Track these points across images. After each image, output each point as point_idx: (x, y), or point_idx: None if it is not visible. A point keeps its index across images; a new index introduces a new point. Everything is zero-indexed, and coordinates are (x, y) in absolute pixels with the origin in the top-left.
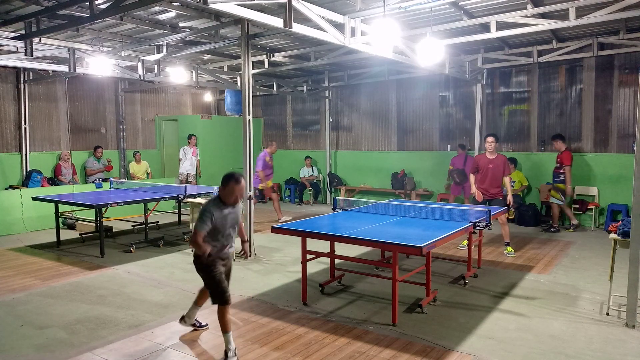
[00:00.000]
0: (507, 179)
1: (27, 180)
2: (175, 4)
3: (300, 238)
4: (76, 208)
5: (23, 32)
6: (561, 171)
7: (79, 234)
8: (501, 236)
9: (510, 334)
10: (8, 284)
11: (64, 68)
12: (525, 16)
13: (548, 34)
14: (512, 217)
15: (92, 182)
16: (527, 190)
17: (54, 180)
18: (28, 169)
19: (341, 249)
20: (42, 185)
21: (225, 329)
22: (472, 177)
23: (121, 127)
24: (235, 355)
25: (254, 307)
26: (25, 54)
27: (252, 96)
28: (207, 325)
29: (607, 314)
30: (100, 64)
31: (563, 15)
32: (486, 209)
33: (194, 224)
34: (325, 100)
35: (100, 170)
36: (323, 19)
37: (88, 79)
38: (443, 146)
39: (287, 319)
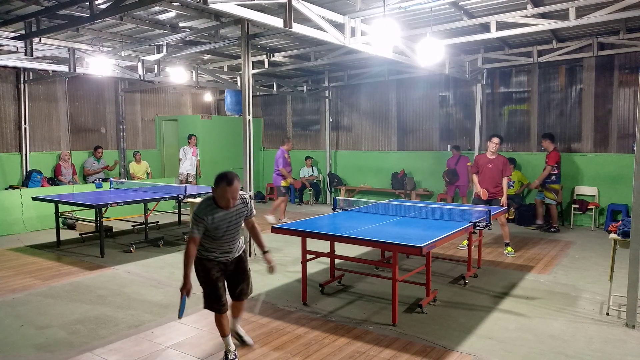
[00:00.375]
0: (504, 181)
1: (27, 180)
2: (175, 4)
3: (300, 238)
4: (76, 208)
5: (23, 32)
6: (553, 172)
7: (79, 234)
8: (501, 236)
9: (510, 334)
10: (8, 284)
11: (64, 68)
12: (525, 16)
13: (548, 34)
14: (512, 217)
15: (92, 182)
16: (527, 190)
17: (54, 180)
18: (28, 169)
19: (341, 249)
20: (42, 185)
21: (222, 334)
22: (475, 177)
23: (121, 127)
24: (236, 356)
25: (254, 307)
26: (25, 54)
27: (252, 96)
28: (252, 342)
29: (607, 314)
30: (100, 64)
31: (563, 15)
32: (486, 209)
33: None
34: (325, 100)
35: (99, 170)
36: (323, 19)
37: (88, 79)
38: (443, 146)
39: (287, 319)
